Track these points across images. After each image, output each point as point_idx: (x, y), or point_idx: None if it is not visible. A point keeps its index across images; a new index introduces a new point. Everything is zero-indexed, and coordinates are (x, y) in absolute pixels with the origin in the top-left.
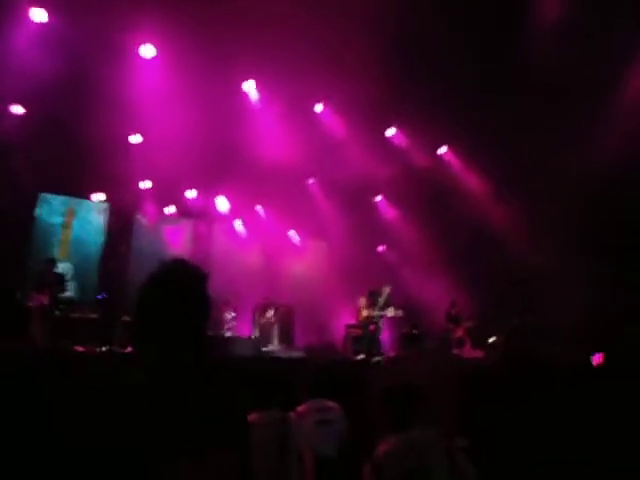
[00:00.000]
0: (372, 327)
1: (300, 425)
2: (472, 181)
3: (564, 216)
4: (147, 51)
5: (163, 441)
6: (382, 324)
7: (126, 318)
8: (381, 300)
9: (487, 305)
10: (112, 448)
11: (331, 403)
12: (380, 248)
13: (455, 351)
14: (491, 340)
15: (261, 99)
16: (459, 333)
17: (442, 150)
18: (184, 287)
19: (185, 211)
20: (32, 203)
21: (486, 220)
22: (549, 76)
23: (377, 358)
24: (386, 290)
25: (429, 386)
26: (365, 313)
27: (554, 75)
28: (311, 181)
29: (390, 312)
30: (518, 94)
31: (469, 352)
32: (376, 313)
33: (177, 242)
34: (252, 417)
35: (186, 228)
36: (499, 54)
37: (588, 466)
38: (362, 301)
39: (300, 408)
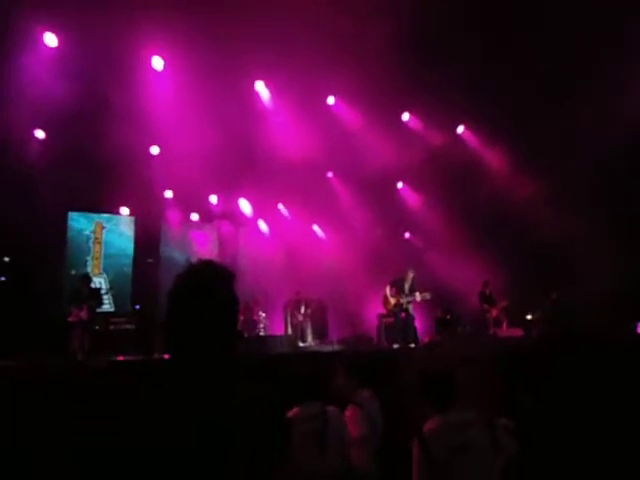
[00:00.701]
0: (403, 314)
1: (341, 417)
2: (493, 159)
3: (590, 187)
4: (158, 63)
5: (195, 442)
6: (412, 310)
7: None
8: (406, 286)
9: (521, 283)
10: (147, 449)
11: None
12: (406, 235)
13: (492, 331)
14: (529, 317)
15: (273, 97)
16: (495, 313)
17: (459, 129)
18: (212, 286)
19: (209, 216)
20: (62, 223)
21: (511, 197)
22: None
23: (412, 345)
24: (410, 275)
25: (466, 369)
26: (393, 301)
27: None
28: (330, 174)
29: (418, 297)
30: (534, 65)
31: (507, 331)
32: (404, 300)
33: (204, 247)
34: (292, 412)
35: (211, 233)
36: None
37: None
38: (388, 290)
39: (359, 398)
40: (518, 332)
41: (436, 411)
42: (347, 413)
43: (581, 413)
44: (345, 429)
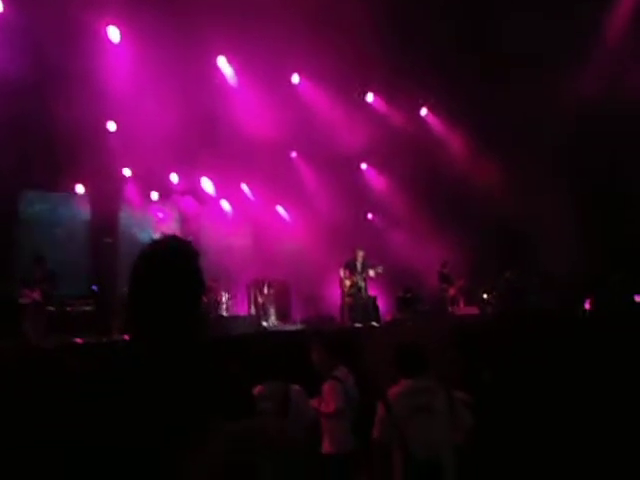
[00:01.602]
0: (362, 294)
1: (304, 396)
2: (455, 141)
3: (549, 169)
4: (114, 34)
5: (164, 425)
6: (367, 287)
7: (121, 307)
8: (358, 265)
9: (479, 263)
10: (112, 437)
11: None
12: (369, 215)
13: (450, 309)
14: (485, 296)
15: (237, 73)
16: (452, 292)
17: (423, 112)
18: (175, 262)
19: (170, 195)
20: (15, 202)
21: (472, 179)
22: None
23: (374, 323)
24: (360, 254)
25: (427, 345)
26: (348, 283)
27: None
28: (294, 154)
29: (371, 272)
30: (492, 50)
31: (463, 309)
32: (358, 278)
33: (165, 227)
34: (255, 390)
35: (172, 212)
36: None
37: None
38: (342, 273)
39: (339, 373)
40: (474, 310)
41: (404, 376)
42: (325, 387)
43: (534, 386)
44: (307, 406)
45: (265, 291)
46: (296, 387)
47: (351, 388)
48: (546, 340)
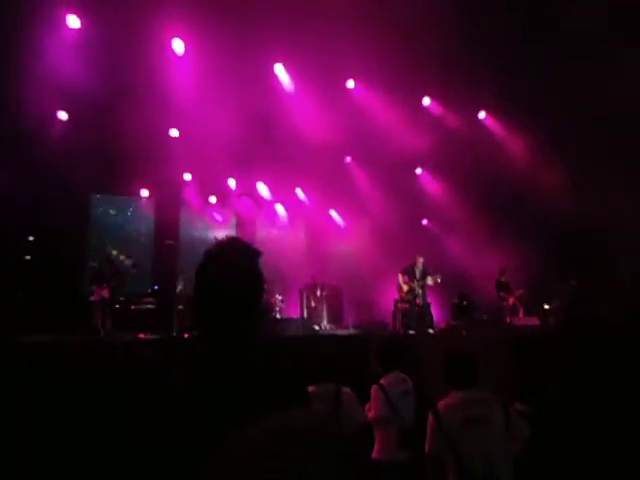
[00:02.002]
0: (419, 301)
1: (354, 399)
2: (514, 145)
3: (618, 167)
4: (178, 46)
5: (221, 420)
6: (426, 295)
7: (180, 307)
8: (417, 272)
9: (540, 271)
10: (173, 431)
11: (405, 375)
12: (424, 221)
13: (509, 319)
14: (547, 306)
15: (293, 81)
16: (511, 301)
17: (481, 115)
18: (239, 261)
19: (227, 199)
20: (85, 204)
21: (532, 182)
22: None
23: (430, 331)
24: (419, 260)
25: (481, 354)
26: (406, 288)
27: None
28: (348, 159)
29: (430, 280)
30: (549, 49)
31: (523, 320)
32: (416, 285)
33: (222, 230)
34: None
35: (230, 215)
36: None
37: None
38: (400, 278)
39: (383, 380)
40: (534, 321)
41: (454, 388)
42: (372, 392)
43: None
44: (357, 409)
45: (318, 294)
46: (347, 390)
47: (400, 396)
48: (612, 350)
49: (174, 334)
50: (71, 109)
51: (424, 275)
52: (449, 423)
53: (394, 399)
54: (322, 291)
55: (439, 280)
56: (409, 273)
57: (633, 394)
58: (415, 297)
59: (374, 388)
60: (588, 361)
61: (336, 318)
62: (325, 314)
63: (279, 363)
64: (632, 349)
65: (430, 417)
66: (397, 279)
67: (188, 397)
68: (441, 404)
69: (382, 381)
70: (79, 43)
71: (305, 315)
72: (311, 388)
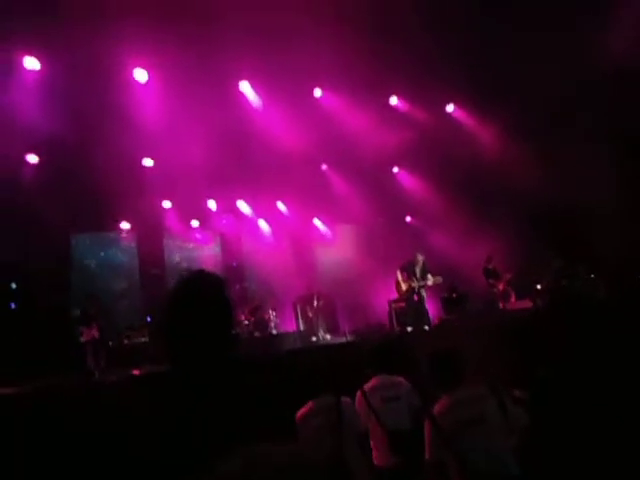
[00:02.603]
0: (416, 297)
1: (354, 408)
2: (485, 132)
3: (588, 144)
4: (141, 75)
5: (206, 448)
6: (425, 293)
7: None
8: (417, 270)
9: (526, 254)
10: (164, 459)
11: (399, 379)
12: (407, 218)
13: (501, 306)
14: (539, 287)
15: (260, 96)
16: (501, 287)
17: (449, 108)
18: (203, 294)
19: (209, 221)
20: (65, 245)
21: (506, 168)
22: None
23: (426, 327)
24: (419, 258)
25: (476, 345)
26: (405, 286)
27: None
28: (324, 167)
29: (430, 280)
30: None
31: (516, 304)
32: (416, 284)
33: (207, 253)
34: (306, 406)
35: (213, 238)
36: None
37: None
38: (399, 275)
39: (367, 385)
40: (527, 304)
41: (444, 391)
42: (356, 399)
43: (592, 379)
44: (358, 418)
45: (315, 304)
46: (347, 400)
47: (385, 401)
48: (603, 331)
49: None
50: (40, 151)
51: (424, 273)
52: (446, 427)
53: (375, 405)
54: (318, 301)
55: (440, 281)
56: (408, 271)
57: (627, 371)
58: (413, 295)
59: (357, 395)
60: (580, 340)
61: (333, 327)
62: (321, 324)
63: (252, 387)
64: (620, 325)
65: (427, 423)
66: (396, 276)
67: (173, 440)
68: (436, 409)
69: (365, 386)
70: (40, 83)
71: (301, 327)
72: (309, 404)
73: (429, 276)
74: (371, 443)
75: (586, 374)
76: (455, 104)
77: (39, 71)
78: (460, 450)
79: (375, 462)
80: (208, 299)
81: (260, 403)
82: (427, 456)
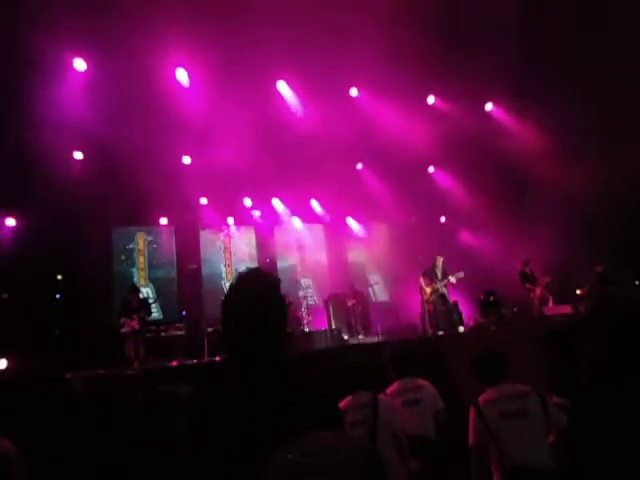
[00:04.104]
0: (444, 301)
1: (392, 405)
2: (526, 131)
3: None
4: (181, 75)
5: (260, 439)
6: (448, 292)
7: (209, 329)
8: (438, 272)
9: (567, 258)
10: (214, 448)
11: (422, 382)
12: (442, 219)
13: (538, 310)
14: (579, 292)
15: (297, 95)
16: (538, 291)
17: (488, 107)
18: (261, 293)
19: (245, 219)
20: (107, 238)
21: (543, 170)
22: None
23: (460, 329)
24: (439, 260)
25: (514, 350)
26: (429, 290)
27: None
28: (360, 166)
29: (452, 278)
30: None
31: (554, 309)
32: (439, 285)
33: (243, 250)
34: (344, 401)
35: (248, 235)
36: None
37: None
38: (421, 281)
39: (389, 389)
40: (566, 309)
41: (488, 384)
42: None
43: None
44: (395, 416)
45: (348, 303)
46: (384, 397)
47: (404, 405)
48: None
49: (205, 358)
50: (85, 148)
51: (445, 274)
52: (489, 417)
53: (398, 410)
54: (351, 300)
55: (462, 276)
56: (429, 275)
57: None
58: (440, 297)
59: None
60: (625, 348)
61: (365, 326)
62: (354, 323)
63: (307, 383)
64: None
65: (472, 411)
66: (419, 284)
67: (227, 426)
68: (481, 398)
69: (388, 390)
70: (87, 84)
71: (333, 326)
72: (348, 398)
73: (450, 275)
74: None
75: (631, 383)
76: (494, 102)
77: (86, 72)
78: (501, 439)
79: None
80: (264, 297)
81: (306, 397)
82: (470, 441)
